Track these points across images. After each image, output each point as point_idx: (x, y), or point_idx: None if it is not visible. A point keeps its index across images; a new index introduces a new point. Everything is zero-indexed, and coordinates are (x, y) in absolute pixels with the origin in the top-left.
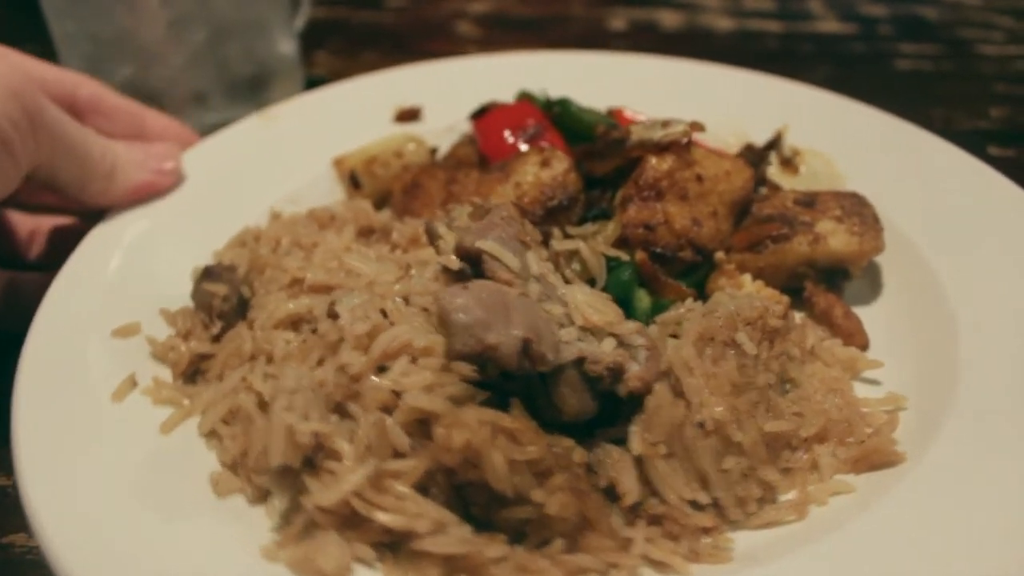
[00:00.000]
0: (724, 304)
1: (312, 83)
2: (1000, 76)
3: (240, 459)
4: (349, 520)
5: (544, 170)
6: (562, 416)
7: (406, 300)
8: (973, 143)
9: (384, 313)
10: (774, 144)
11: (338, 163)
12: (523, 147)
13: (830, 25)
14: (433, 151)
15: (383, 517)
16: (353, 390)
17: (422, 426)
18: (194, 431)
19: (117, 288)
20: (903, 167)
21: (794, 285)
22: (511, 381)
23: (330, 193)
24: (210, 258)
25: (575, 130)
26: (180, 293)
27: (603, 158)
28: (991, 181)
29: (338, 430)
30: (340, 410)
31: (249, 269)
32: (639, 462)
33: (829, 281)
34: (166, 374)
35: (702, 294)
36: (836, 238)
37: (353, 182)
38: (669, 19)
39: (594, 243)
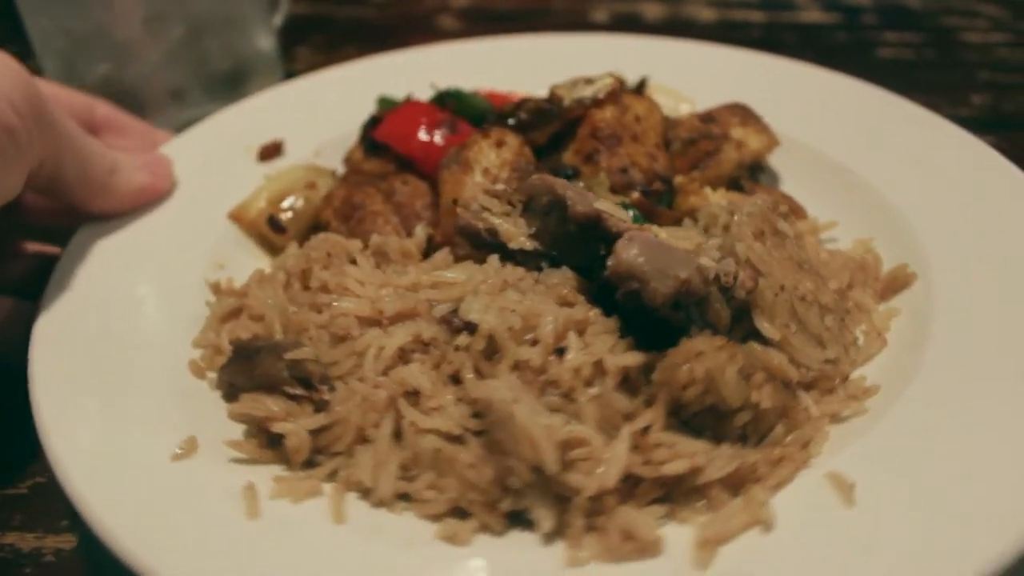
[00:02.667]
0: (749, 206)
1: (291, 77)
2: (983, 64)
3: (462, 500)
4: (620, 494)
5: (503, 149)
6: (717, 330)
7: (518, 289)
8: None
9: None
10: (644, 82)
11: (238, 217)
12: (439, 141)
13: (813, 15)
14: (333, 173)
15: (671, 467)
16: (542, 381)
17: (624, 384)
18: (362, 507)
19: (123, 415)
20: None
21: (731, 188)
22: (679, 311)
23: (239, 246)
24: (183, 350)
25: (470, 115)
26: (173, 396)
27: (538, 128)
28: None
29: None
30: None
31: (285, 331)
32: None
33: (752, 178)
34: (258, 475)
35: None
36: (751, 140)
37: (275, 227)
38: (652, 10)
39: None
